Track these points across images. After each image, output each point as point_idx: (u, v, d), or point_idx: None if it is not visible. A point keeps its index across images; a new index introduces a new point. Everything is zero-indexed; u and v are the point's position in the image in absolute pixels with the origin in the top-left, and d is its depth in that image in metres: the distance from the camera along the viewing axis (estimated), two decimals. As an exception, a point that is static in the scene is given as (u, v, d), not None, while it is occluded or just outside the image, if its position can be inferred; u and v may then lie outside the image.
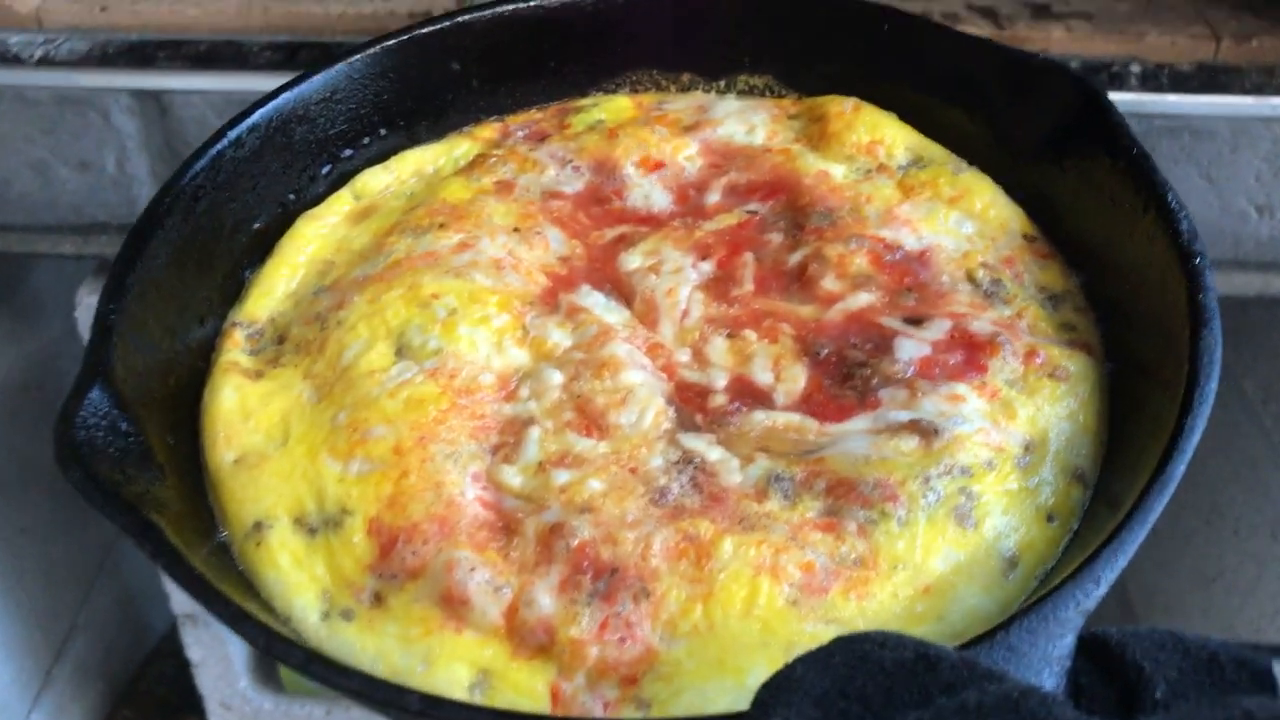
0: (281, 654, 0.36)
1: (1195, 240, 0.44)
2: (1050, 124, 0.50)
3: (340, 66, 0.56)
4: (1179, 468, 0.37)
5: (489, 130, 0.58)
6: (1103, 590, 0.34)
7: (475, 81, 0.58)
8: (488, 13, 0.57)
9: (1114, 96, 0.49)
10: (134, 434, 0.42)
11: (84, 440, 0.40)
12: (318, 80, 0.55)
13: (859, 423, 0.43)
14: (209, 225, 0.51)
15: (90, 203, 0.85)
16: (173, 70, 0.78)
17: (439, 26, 0.57)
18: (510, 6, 0.57)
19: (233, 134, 0.52)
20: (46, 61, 0.81)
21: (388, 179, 0.55)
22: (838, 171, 0.53)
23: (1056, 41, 0.80)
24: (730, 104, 0.57)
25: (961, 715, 0.26)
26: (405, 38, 0.57)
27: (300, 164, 0.55)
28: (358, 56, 0.56)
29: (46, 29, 0.82)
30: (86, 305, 0.90)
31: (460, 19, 0.57)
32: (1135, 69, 0.78)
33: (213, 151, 0.51)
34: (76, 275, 0.92)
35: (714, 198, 0.52)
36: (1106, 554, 0.35)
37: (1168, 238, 0.44)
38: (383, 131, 0.57)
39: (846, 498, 0.41)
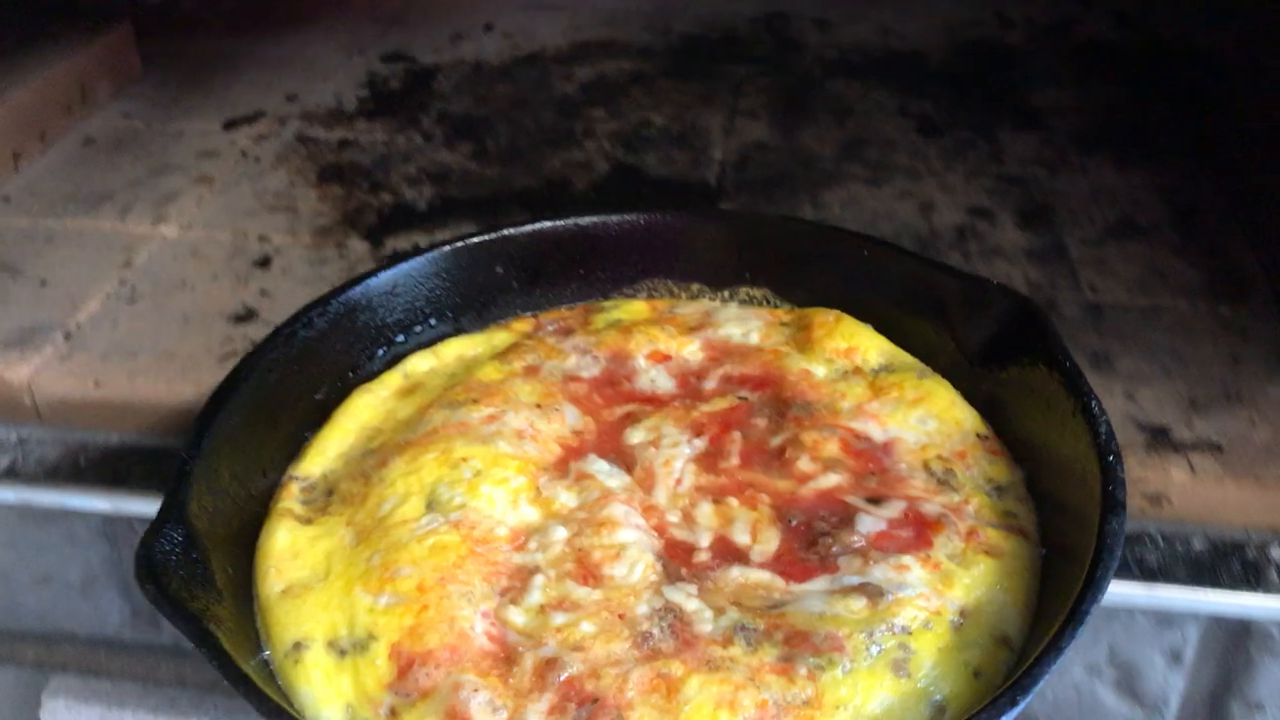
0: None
1: (1111, 440, 0.52)
2: (1000, 337, 0.61)
3: (402, 266, 0.67)
4: (1077, 629, 0.44)
5: (523, 324, 0.69)
6: None
7: (515, 283, 0.70)
8: (529, 228, 0.70)
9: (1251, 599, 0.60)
10: (200, 561, 0.51)
11: (159, 562, 0.48)
12: (384, 276, 0.67)
13: (819, 583, 0.51)
14: (278, 393, 0.61)
15: (55, 612, 0.82)
16: (147, 493, 0.70)
17: (487, 237, 0.69)
18: (549, 223, 0.70)
19: (307, 317, 0.63)
20: (12, 473, 0.76)
21: (433, 362, 0.66)
22: (819, 371, 0.63)
23: (1177, 486, 0.68)
24: (731, 310, 0.68)
25: None
26: (459, 244, 0.69)
27: (360, 346, 0.66)
28: (417, 259, 0.68)
29: (20, 423, 0.78)
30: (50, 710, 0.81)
31: (505, 232, 0.69)
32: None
33: (288, 331, 0.63)
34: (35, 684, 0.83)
35: (710, 384, 0.63)
36: (1006, 695, 0.43)
37: (1089, 437, 0.52)
38: (433, 322, 0.69)
39: (800, 646, 0.48)
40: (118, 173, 1.08)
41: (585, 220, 0.70)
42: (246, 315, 0.87)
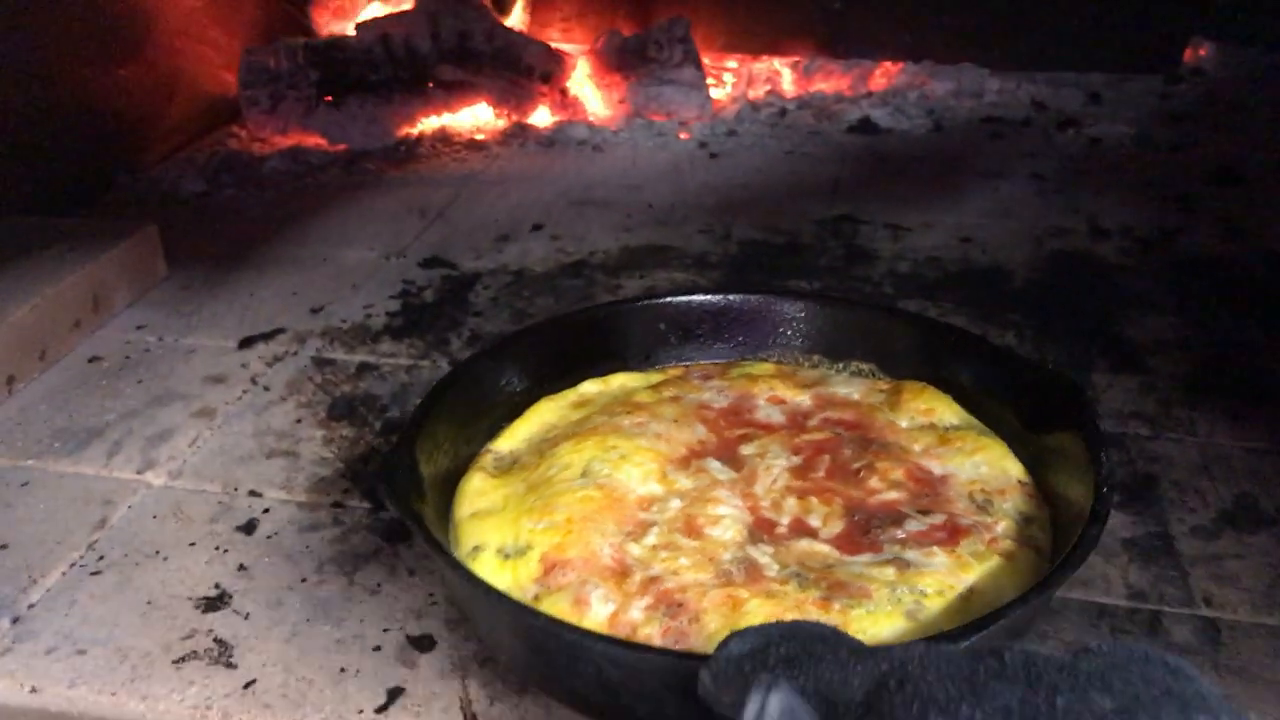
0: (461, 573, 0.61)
1: (1110, 491, 0.64)
2: (1048, 409, 0.74)
3: (586, 315, 0.87)
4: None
5: (676, 370, 0.86)
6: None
7: (672, 339, 0.88)
8: (688, 298, 0.88)
9: None
10: (418, 483, 0.69)
11: (392, 473, 0.67)
12: (575, 320, 0.87)
13: (864, 557, 0.65)
14: (486, 392, 0.80)
15: None
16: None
17: (655, 301, 0.88)
18: (701, 296, 0.88)
19: (517, 342, 0.83)
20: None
21: (601, 388, 0.83)
22: (901, 423, 0.78)
23: None
24: (842, 377, 0.85)
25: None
26: (636, 303, 0.88)
27: (548, 369, 0.83)
28: (601, 309, 0.88)
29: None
30: None
31: (670, 299, 0.88)
32: None
33: (499, 351, 0.82)
34: None
35: (813, 422, 0.78)
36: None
37: (1094, 479, 0.65)
38: (607, 362, 0.86)
39: (838, 591, 0.62)
40: (116, 400, 0.99)
41: (733, 296, 0.88)
42: (216, 600, 0.76)
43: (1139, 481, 0.86)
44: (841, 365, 0.86)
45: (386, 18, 1.60)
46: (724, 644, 0.43)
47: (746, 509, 0.69)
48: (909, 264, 1.19)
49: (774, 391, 0.81)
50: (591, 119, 1.65)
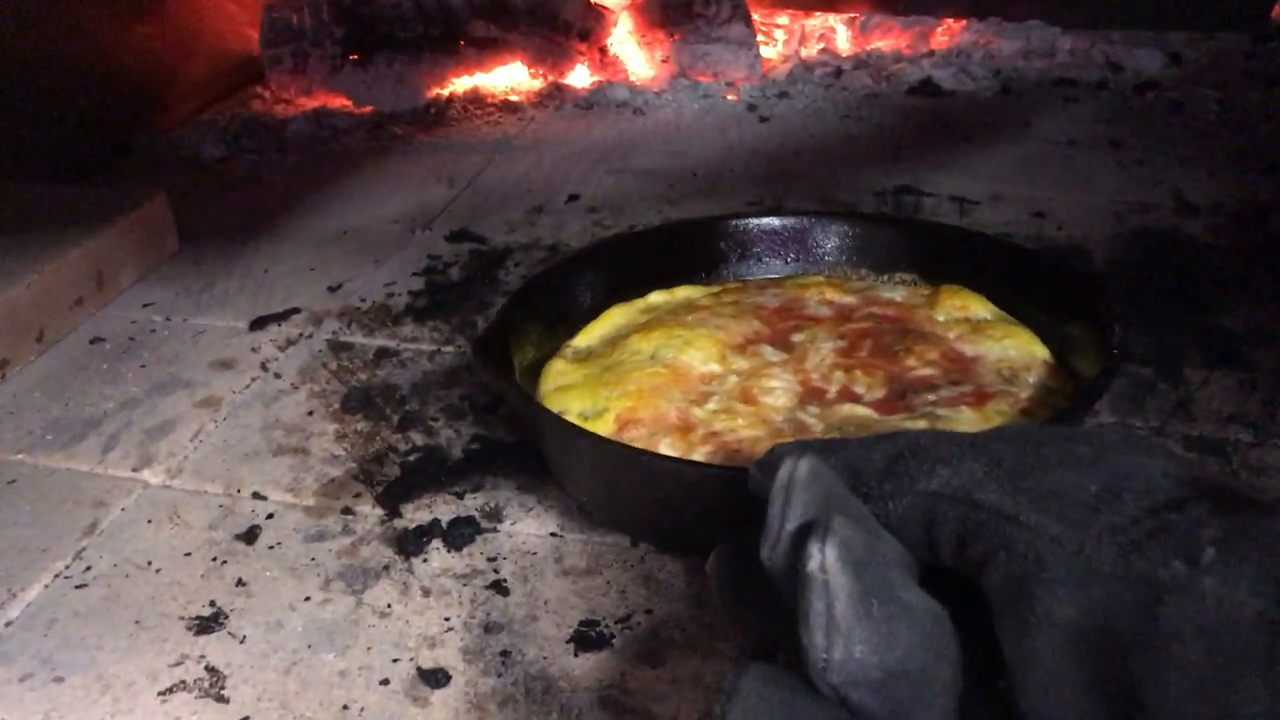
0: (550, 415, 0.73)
1: (1121, 349, 0.72)
2: (1071, 300, 0.81)
3: (653, 232, 1.04)
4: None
5: (735, 283, 0.93)
6: None
7: (732, 257, 0.95)
8: (745, 221, 0.95)
9: None
10: (508, 371, 0.77)
11: (487, 348, 0.76)
12: (645, 236, 1.02)
13: (899, 416, 0.72)
14: (560, 299, 0.88)
15: None
16: None
17: (715, 219, 0.97)
18: (757, 219, 0.96)
19: (592, 253, 0.94)
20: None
21: (667, 297, 0.90)
22: (939, 317, 0.85)
23: None
24: (887, 285, 0.91)
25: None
26: (695, 221, 1.01)
27: (621, 282, 0.90)
28: (664, 228, 1.04)
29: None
30: None
31: (730, 220, 0.96)
32: None
33: (582, 252, 0.95)
34: None
35: (858, 315, 0.85)
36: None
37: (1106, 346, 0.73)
38: (672, 277, 0.92)
39: None
40: (116, 387, 0.92)
41: (788, 218, 0.96)
42: (211, 621, 0.69)
43: (1241, 507, 0.75)
44: (887, 277, 0.92)
45: (416, -29, 1.50)
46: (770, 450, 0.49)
47: (797, 381, 0.77)
48: (978, 242, 1.09)
49: (823, 293, 0.88)
50: (633, 80, 1.55)
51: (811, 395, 0.76)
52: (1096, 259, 1.06)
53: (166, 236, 1.12)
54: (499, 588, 0.71)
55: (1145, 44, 1.60)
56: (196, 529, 0.77)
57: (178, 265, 1.11)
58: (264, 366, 0.94)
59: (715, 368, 0.79)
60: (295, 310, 1.02)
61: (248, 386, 0.92)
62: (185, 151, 1.39)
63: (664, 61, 1.54)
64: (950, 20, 1.68)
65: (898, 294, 0.88)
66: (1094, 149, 1.31)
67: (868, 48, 1.64)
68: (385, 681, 0.64)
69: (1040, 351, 0.80)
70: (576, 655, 0.65)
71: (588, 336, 0.86)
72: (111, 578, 0.73)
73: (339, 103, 1.49)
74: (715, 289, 0.91)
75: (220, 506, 0.79)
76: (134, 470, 0.83)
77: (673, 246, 0.94)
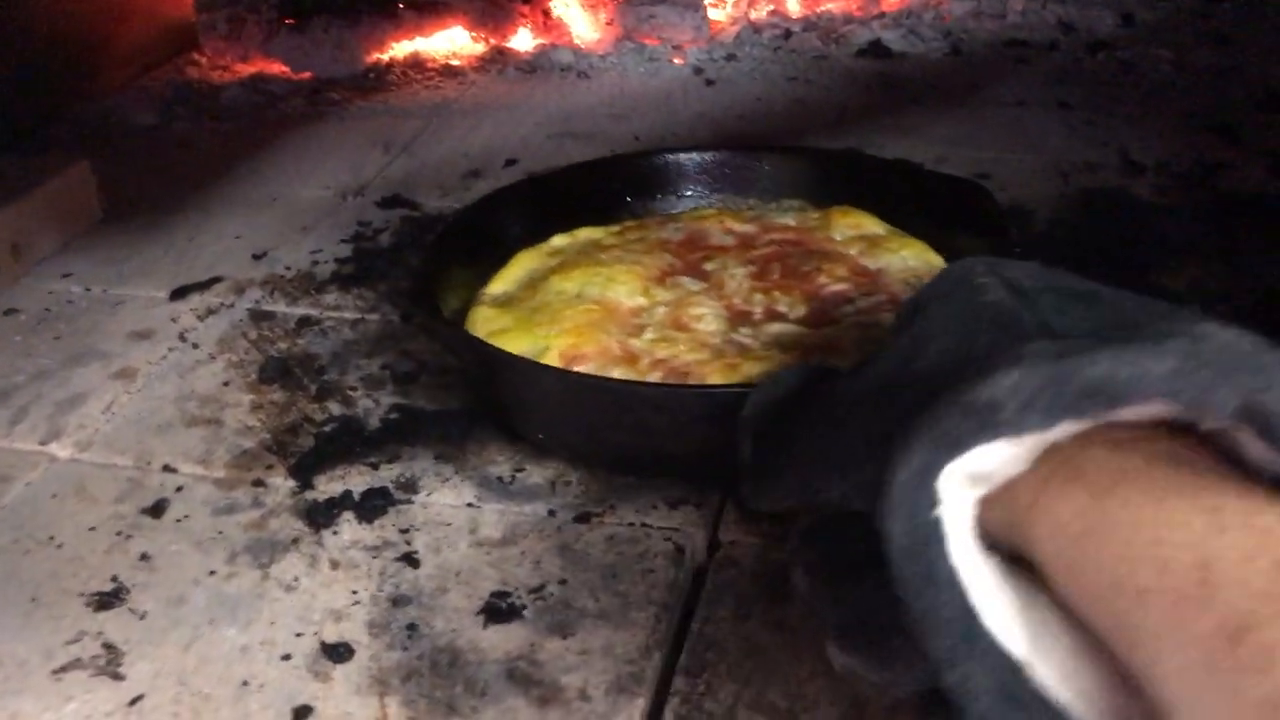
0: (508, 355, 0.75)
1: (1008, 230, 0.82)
2: (960, 211, 0.86)
3: (547, 177, 1.02)
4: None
5: (633, 221, 0.94)
6: None
7: (628, 197, 0.97)
8: (633, 155, 1.04)
9: None
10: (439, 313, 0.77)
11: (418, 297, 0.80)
12: (538, 182, 1.02)
13: (828, 329, 0.76)
14: (479, 244, 0.89)
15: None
16: None
17: (607, 158, 1.05)
18: (647, 155, 1.02)
19: (491, 201, 0.93)
20: None
21: (570, 240, 0.90)
22: (835, 236, 0.88)
23: None
24: (778, 211, 0.95)
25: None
26: (586, 164, 1.03)
27: (523, 227, 0.92)
28: (558, 172, 1.01)
29: None
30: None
31: (621, 155, 1.06)
32: None
33: (484, 206, 0.93)
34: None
35: (760, 242, 0.88)
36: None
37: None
38: (571, 220, 0.92)
39: (814, 351, 0.74)
40: (29, 359, 0.89)
41: (673, 155, 1.00)
42: (111, 597, 0.67)
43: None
44: (775, 204, 0.96)
45: (353, -68, 1.46)
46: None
47: (722, 306, 0.80)
48: (920, 203, 1.07)
49: (723, 222, 0.90)
50: (577, 43, 1.51)
51: (739, 318, 0.79)
52: (1040, 220, 1.05)
53: (89, 206, 1.09)
54: (410, 560, 0.69)
55: (1098, 4, 1.58)
56: (103, 503, 0.74)
57: (101, 235, 1.08)
58: (182, 337, 0.92)
59: (642, 300, 0.81)
60: (218, 279, 0.99)
61: (164, 357, 0.89)
62: (116, 119, 1.35)
63: (609, 24, 1.51)
64: (903, -19, 1.65)
65: (790, 219, 0.92)
66: (1043, 110, 1.29)
67: (818, 9, 1.61)
68: (287, 656, 0.62)
69: (935, 260, 0.85)
70: (486, 627, 0.64)
71: (502, 282, 0.86)
72: (10, 553, 0.70)
73: (276, 69, 1.46)
74: (616, 228, 0.92)
75: (129, 480, 0.76)
76: (41, 444, 0.80)
77: (567, 189, 0.96)
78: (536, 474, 0.75)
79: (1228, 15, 1.58)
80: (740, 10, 1.60)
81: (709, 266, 0.85)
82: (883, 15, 1.57)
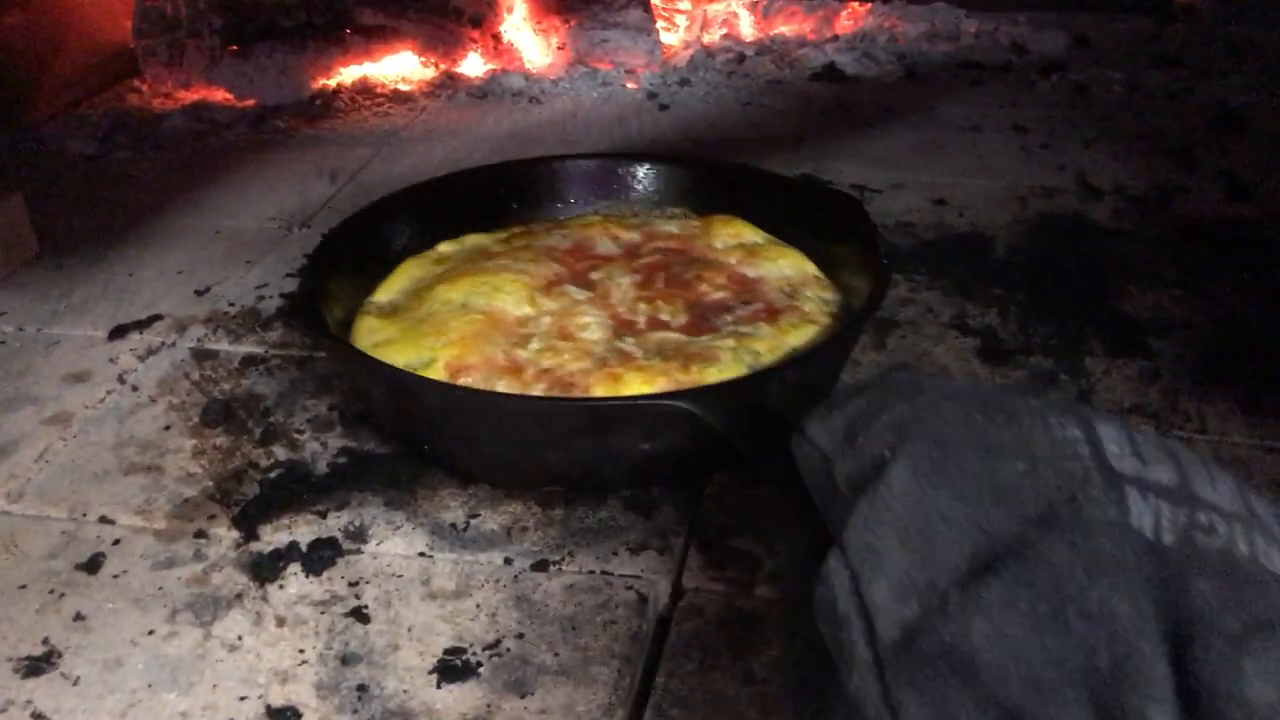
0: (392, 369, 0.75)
1: (890, 264, 0.84)
2: (833, 220, 0.90)
3: (431, 184, 0.99)
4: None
5: (520, 228, 0.96)
6: None
7: (514, 204, 0.99)
8: (527, 165, 1.04)
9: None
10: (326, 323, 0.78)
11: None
12: (426, 189, 0.98)
13: (707, 337, 0.79)
14: (364, 254, 0.89)
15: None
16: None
17: (492, 166, 1.07)
18: (532, 160, 1.05)
19: (376, 211, 0.93)
20: None
21: (457, 247, 0.92)
22: (716, 244, 0.91)
23: None
24: (661, 219, 0.97)
25: None
26: (472, 171, 1.04)
27: (409, 235, 0.93)
28: (443, 180, 1.00)
29: None
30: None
31: (512, 162, 1.07)
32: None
33: (369, 216, 0.92)
34: None
35: (645, 250, 0.91)
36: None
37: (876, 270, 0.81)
38: (457, 228, 0.94)
39: (694, 360, 0.75)
40: (-44, 405, 0.85)
41: (559, 161, 1.02)
42: (41, 662, 0.63)
43: (1144, 492, 0.73)
44: (659, 211, 0.99)
45: (298, -44, 1.43)
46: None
47: (607, 316, 0.83)
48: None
49: (609, 231, 0.93)
50: (528, 68, 1.49)
51: (623, 326, 0.82)
52: (999, 246, 1.04)
53: (23, 240, 1.05)
54: (359, 615, 0.66)
55: (1051, 26, 1.58)
56: (34, 558, 0.71)
57: (35, 271, 1.04)
58: (121, 379, 0.88)
59: (528, 310, 0.83)
60: (158, 317, 0.96)
61: (102, 400, 0.85)
62: (53, 148, 1.31)
63: (561, 48, 1.49)
64: (855, 4, 1.65)
65: (673, 226, 0.95)
66: (998, 133, 1.29)
67: (771, 33, 1.60)
68: (229, 722, 0.59)
69: (810, 268, 0.88)
70: (440, 686, 0.61)
71: (388, 291, 0.87)
72: (-66, 617, 0.66)
73: (220, 96, 1.43)
74: (503, 235, 0.94)
75: (63, 533, 0.73)
76: (-32, 496, 0.76)
77: (455, 195, 0.97)
78: (491, 520, 0.72)
79: (1178, 37, 1.59)
80: (693, 34, 1.59)
81: (595, 276, 0.87)
82: (836, 38, 1.57)
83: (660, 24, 1.55)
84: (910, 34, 1.56)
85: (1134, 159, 1.21)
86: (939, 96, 1.41)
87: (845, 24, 1.62)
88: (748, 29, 1.62)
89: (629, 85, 1.45)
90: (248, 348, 0.91)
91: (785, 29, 1.61)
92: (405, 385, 0.73)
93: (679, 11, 1.65)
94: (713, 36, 1.60)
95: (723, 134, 1.31)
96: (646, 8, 1.49)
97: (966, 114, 1.35)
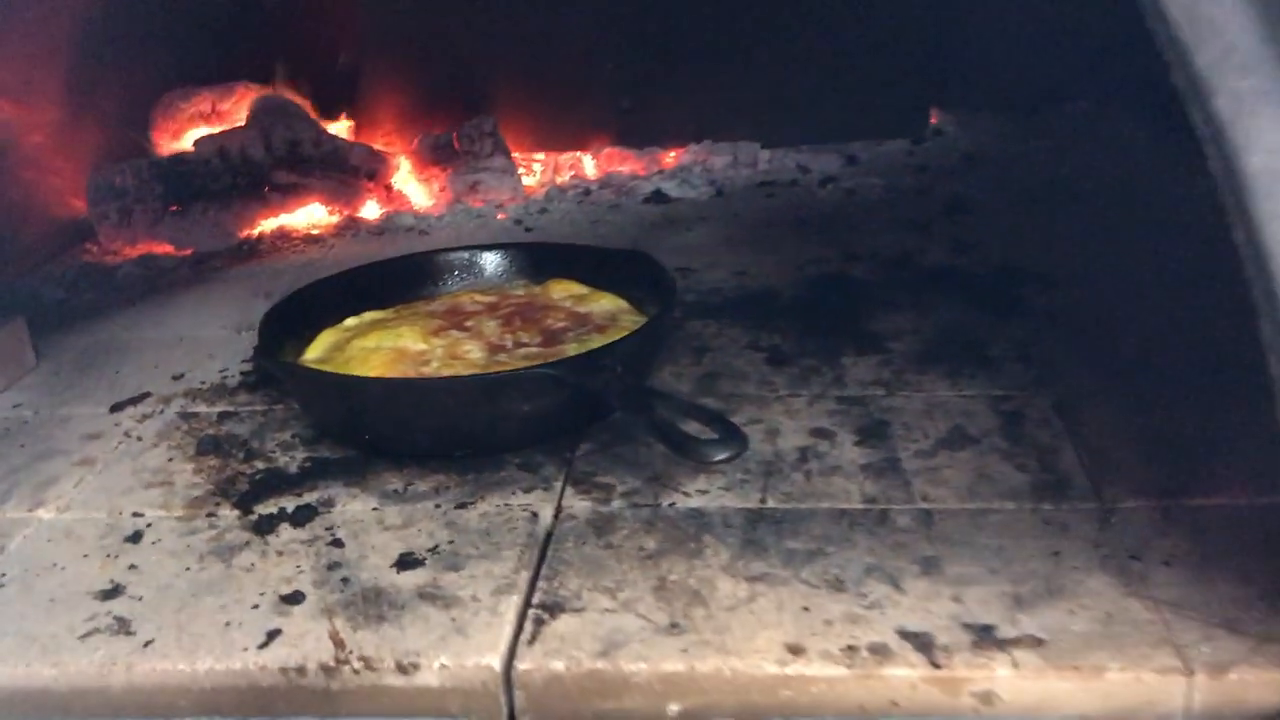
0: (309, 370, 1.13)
1: (673, 292, 1.18)
2: (636, 272, 1.25)
3: (327, 281, 1.31)
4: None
5: (403, 306, 1.28)
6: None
7: (399, 288, 1.30)
8: (402, 260, 1.38)
9: None
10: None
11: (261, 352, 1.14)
12: (328, 282, 1.30)
13: (557, 347, 1.13)
14: (291, 327, 1.20)
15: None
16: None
17: (371, 264, 1.37)
18: (413, 259, 1.38)
19: (303, 291, 1.27)
20: None
21: (359, 320, 1.22)
22: (555, 297, 1.24)
23: (1002, 682, 0.73)
24: (509, 287, 1.31)
25: None
26: (361, 267, 1.35)
27: (320, 316, 1.23)
28: (338, 276, 1.33)
29: None
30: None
31: (391, 259, 1.41)
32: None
33: (294, 300, 1.24)
34: None
35: (502, 305, 1.24)
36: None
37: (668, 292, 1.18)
38: (356, 308, 1.26)
39: (551, 356, 1.11)
40: (1, 462, 1.11)
41: (427, 255, 1.38)
42: (112, 592, 0.89)
43: (874, 426, 1.06)
44: (508, 284, 1.30)
45: (223, 133, 1.77)
46: None
47: (483, 344, 1.13)
48: (695, 295, 1.41)
49: (473, 298, 1.24)
50: (416, 208, 1.84)
51: (496, 349, 1.12)
52: (784, 297, 1.39)
53: (25, 354, 1.32)
54: (336, 543, 0.94)
55: (828, 151, 2.00)
56: (90, 539, 0.97)
57: (38, 376, 1.32)
58: (127, 434, 1.16)
59: (424, 346, 1.12)
60: (147, 394, 1.24)
61: (115, 448, 1.13)
62: (27, 296, 1.59)
63: (441, 190, 1.84)
64: (675, 148, 2.04)
65: (519, 291, 1.27)
66: (785, 227, 1.67)
67: (610, 171, 1.98)
68: (256, 606, 0.86)
69: (623, 304, 1.21)
70: (399, 573, 0.89)
71: (315, 350, 1.16)
72: (24, 578, 0.92)
73: (163, 248, 1.73)
74: (391, 311, 1.24)
75: (107, 525, 0.99)
76: (29, 511, 1.02)
77: (355, 285, 1.29)
78: (422, 484, 1.01)
79: (927, 151, 2.02)
80: (548, 176, 1.96)
81: (469, 324, 1.18)
82: (662, 171, 1.95)
83: (521, 171, 1.91)
84: (718, 164, 1.96)
85: (887, 236, 1.59)
86: (741, 206, 1.79)
87: (668, 161, 2.01)
88: (592, 171, 2.00)
89: (500, 216, 1.79)
90: (222, 407, 1.20)
91: (622, 169, 2.00)
92: (349, 385, 1.05)
93: (535, 161, 2.02)
94: (563, 177, 1.97)
95: (574, 242, 1.65)
96: (507, 155, 1.86)
97: (763, 217, 1.73)
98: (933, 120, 2.11)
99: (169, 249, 1.72)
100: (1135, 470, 0.96)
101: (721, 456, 0.88)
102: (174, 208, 1.71)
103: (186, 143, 1.83)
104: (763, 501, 0.95)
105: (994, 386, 1.13)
